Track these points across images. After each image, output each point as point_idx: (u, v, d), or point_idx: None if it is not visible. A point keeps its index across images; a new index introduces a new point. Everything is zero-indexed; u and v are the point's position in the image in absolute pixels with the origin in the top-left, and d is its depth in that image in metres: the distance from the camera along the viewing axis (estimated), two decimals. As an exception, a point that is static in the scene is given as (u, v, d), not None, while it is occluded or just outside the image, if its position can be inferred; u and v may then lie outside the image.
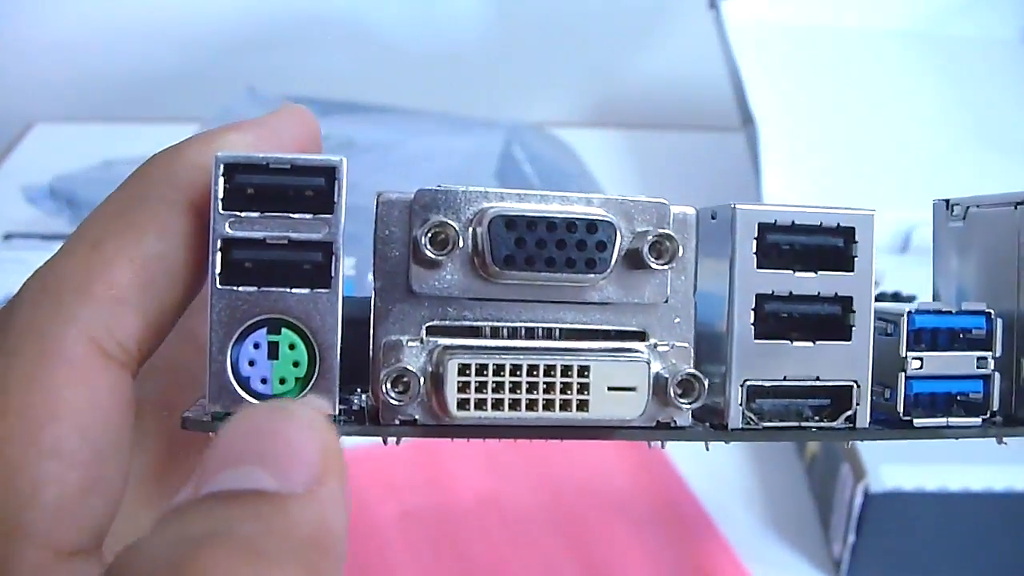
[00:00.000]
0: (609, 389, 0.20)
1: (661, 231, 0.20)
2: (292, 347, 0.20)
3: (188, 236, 0.20)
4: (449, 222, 0.20)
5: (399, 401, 0.20)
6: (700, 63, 0.84)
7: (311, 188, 0.20)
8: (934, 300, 0.27)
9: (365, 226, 0.21)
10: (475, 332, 0.20)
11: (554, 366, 0.20)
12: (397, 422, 0.20)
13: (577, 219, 0.20)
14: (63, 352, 0.19)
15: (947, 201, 0.27)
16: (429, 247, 0.20)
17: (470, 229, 0.20)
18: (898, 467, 0.45)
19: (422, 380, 0.20)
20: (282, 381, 0.20)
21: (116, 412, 0.19)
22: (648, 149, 0.90)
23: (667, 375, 0.21)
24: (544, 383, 0.20)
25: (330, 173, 0.20)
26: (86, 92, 0.97)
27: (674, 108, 0.97)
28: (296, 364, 0.20)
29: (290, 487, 0.17)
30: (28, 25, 0.96)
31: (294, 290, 0.20)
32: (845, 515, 0.46)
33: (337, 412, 0.20)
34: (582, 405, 0.20)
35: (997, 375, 0.23)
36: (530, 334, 0.21)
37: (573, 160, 0.79)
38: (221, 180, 0.19)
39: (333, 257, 0.20)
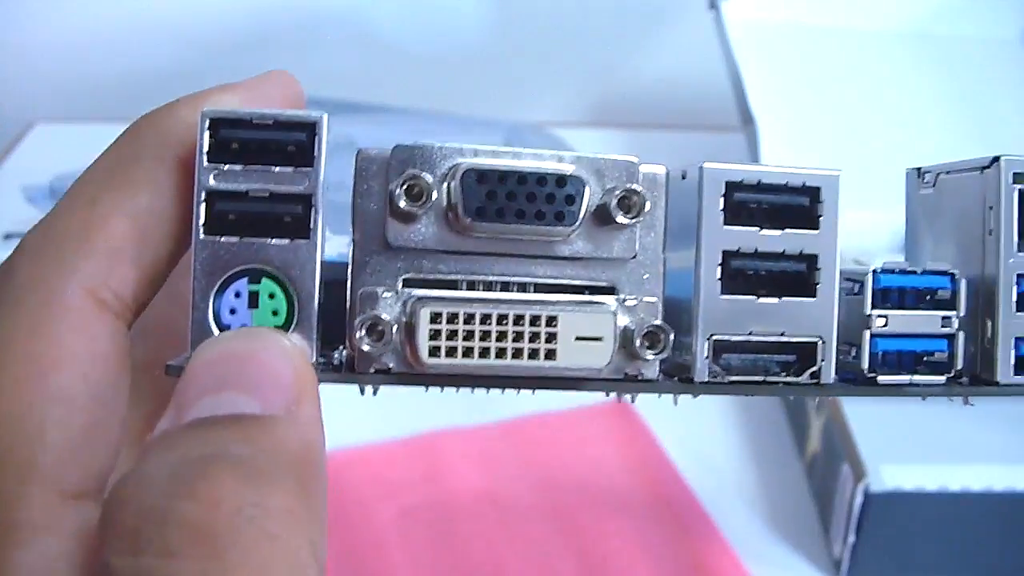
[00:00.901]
0: (576, 339, 0.20)
1: (628, 186, 0.21)
2: (272, 296, 0.20)
3: (178, 191, 0.21)
4: (423, 174, 0.20)
5: (373, 348, 0.20)
6: (700, 63, 0.84)
7: (293, 143, 0.21)
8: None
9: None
10: (451, 285, 0.21)
11: (523, 316, 0.20)
12: (372, 371, 0.21)
13: (547, 173, 0.20)
14: (65, 302, 0.20)
15: (918, 169, 0.27)
16: (404, 199, 0.20)
17: (445, 183, 0.20)
18: (898, 467, 0.45)
19: (394, 328, 0.20)
20: None
21: (115, 359, 0.20)
22: (648, 149, 0.89)
23: (634, 327, 0.21)
24: (513, 332, 0.20)
25: (311, 128, 0.21)
26: (86, 92, 0.97)
27: (674, 108, 0.97)
28: (275, 313, 0.20)
29: (271, 410, 0.18)
30: (28, 25, 0.96)
31: (274, 240, 0.20)
32: (845, 515, 0.46)
33: (315, 361, 0.21)
34: (550, 354, 0.20)
35: (962, 335, 0.23)
36: (504, 288, 0.21)
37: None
38: (207, 134, 0.20)
39: (312, 209, 0.21)
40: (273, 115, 0.21)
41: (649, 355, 0.21)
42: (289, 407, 0.18)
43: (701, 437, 0.57)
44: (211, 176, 0.20)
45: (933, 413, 0.54)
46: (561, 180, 0.21)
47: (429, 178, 0.20)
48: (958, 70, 0.76)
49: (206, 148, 0.20)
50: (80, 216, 0.20)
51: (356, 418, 0.45)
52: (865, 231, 0.47)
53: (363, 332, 0.20)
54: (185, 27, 0.96)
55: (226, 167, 0.20)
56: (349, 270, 0.21)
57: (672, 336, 0.21)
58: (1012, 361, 0.23)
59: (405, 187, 0.20)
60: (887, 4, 0.78)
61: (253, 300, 0.20)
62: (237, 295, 0.20)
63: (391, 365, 0.21)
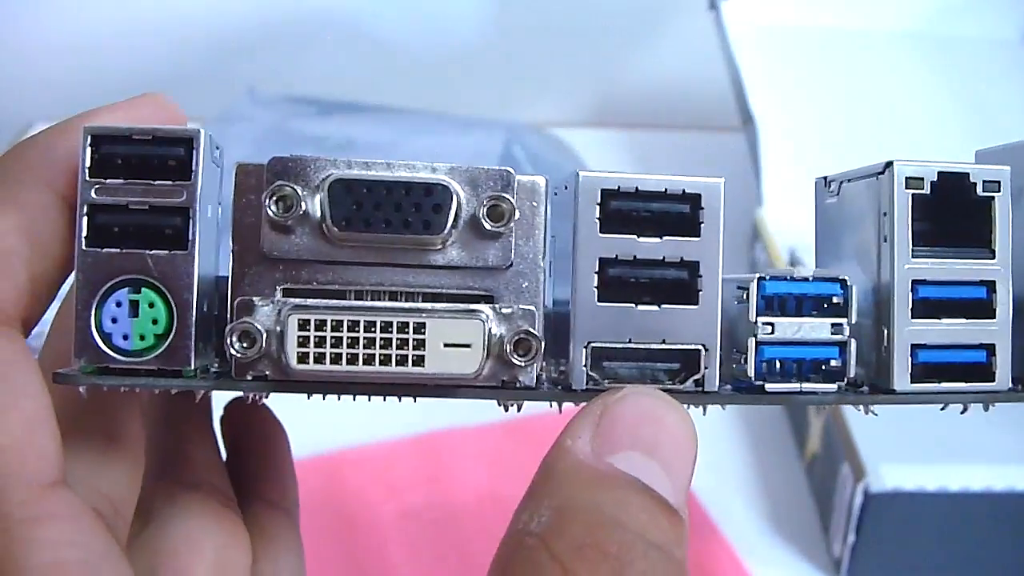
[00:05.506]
0: (445, 346, 0.21)
1: (496, 194, 0.21)
2: (152, 305, 0.21)
3: (61, 210, 0.22)
4: (290, 185, 0.21)
5: (243, 355, 0.21)
6: (700, 63, 0.84)
7: (172, 157, 0.21)
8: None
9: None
10: (330, 295, 0.21)
11: (391, 323, 0.21)
12: (249, 377, 0.21)
13: (414, 183, 0.21)
14: None
15: (825, 178, 0.27)
16: (273, 209, 0.21)
17: (316, 195, 0.21)
18: (898, 467, 0.45)
19: (265, 335, 0.21)
20: (142, 337, 0.21)
21: (20, 362, 0.21)
22: (648, 149, 0.90)
23: (506, 335, 0.21)
24: (382, 339, 0.21)
25: (189, 143, 0.21)
26: (85, 92, 0.97)
27: (674, 108, 0.97)
28: (155, 322, 0.21)
29: (674, 501, 0.19)
30: (28, 25, 0.96)
31: (153, 251, 0.21)
32: (845, 515, 0.46)
33: (193, 367, 0.21)
34: (418, 360, 0.21)
35: (853, 341, 0.23)
36: (380, 296, 0.22)
37: (573, 160, 0.79)
38: (89, 150, 0.21)
39: (191, 221, 0.21)
40: (152, 129, 0.21)
41: (520, 361, 0.21)
42: (682, 508, 0.19)
43: (701, 437, 0.57)
44: (93, 190, 0.21)
45: (933, 413, 0.54)
46: (429, 190, 0.21)
47: (298, 189, 0.21)
48: (958, 70, 0.76)
49: (88, 163, 0.21)
50: None
51: (358, 418, 0.45)
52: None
53: (234, 339, 0.21)
54: (184, 27, 0.96)
55: (108, 181, 0.21)
56: (229, 281, 0.22)
57: (543, 344, 0.21)
58: (908, 369, 0.23)
59: (274, 198, 0.21)
60: (887, 4, 0.78)
61: (134, 309, 0.21)
62: (118, 304, 0.21)
63: (267, 372, 0.21)
